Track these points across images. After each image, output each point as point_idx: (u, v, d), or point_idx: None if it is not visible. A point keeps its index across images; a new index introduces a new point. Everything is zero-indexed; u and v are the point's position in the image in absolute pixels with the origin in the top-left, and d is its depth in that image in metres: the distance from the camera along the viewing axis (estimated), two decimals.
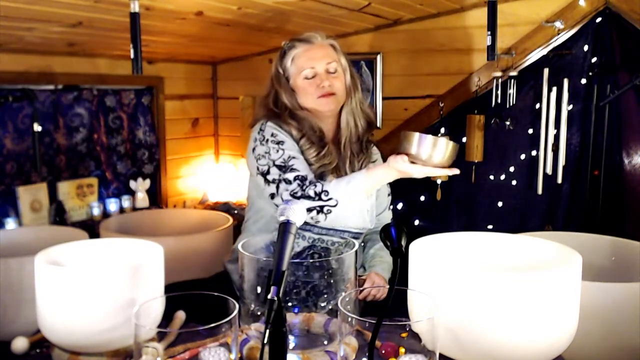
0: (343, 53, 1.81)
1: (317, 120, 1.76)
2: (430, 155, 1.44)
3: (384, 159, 1.97)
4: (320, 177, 1.70)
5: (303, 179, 1.62)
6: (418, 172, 1.48)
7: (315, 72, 1.74)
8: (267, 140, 1.69)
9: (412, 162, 1.47)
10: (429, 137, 1.44)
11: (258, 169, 1.68)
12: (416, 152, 1.45)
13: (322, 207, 1.58)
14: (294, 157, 1.66)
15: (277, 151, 1.67)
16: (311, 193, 1.59)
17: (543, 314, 1.07)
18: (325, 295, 1.20)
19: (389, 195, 1.94)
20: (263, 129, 1.72)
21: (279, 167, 1.64)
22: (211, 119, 3.91)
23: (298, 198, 1.60)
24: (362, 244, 1.91)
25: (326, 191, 1.58)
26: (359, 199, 1.60)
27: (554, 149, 2.66)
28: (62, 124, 2.97)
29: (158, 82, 3.45)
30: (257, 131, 1.73)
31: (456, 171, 1.50)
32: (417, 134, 1.45)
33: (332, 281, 1.19)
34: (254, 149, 1.71)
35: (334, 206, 1.58)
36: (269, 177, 1.66)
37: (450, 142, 1.44)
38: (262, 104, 1.82)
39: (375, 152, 1.91)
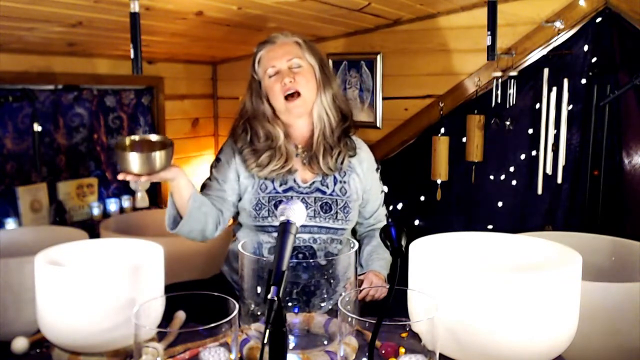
0: (313, 49, 1.82)
1: (286, 123, 1.81)
2: (125, 168, 1.53)
3: (376, 157, 2.00)
4: (284, 181, 1.77)
5: None
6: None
7: (278, 70, 1.77)
8: (218, 154, 1.87)
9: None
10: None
11: None
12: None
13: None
14: (209, 179, 1.82)
15: (210, 169, 1.84)
16: None
17: (543, 314, 1.07)
18: (325, 295, 1.20)
19: (382, 192, 1.94)
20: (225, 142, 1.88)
21: (202, 184, 1.83)
22: (211, 119, 3.90)
23: None
24: (358, 242, 1.91)
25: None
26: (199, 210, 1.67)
27: (554, 149, 2.66)
28: (62, 124, 2.96)
29: (158, 82, 3.45)
30: None
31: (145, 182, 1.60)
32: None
33: (324, 280, 1.19)
34: None
35: (178, 218, 1.69)
36: None
37: (127, 153, 1.52)
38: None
39: (359, 146, 1.90)
